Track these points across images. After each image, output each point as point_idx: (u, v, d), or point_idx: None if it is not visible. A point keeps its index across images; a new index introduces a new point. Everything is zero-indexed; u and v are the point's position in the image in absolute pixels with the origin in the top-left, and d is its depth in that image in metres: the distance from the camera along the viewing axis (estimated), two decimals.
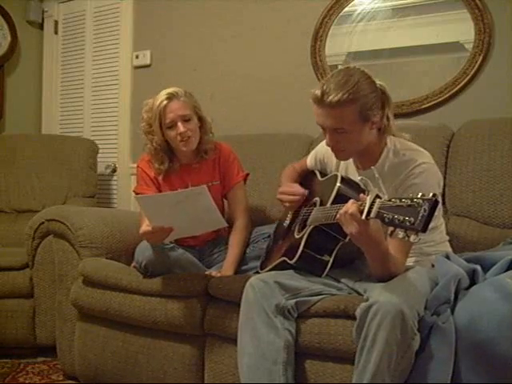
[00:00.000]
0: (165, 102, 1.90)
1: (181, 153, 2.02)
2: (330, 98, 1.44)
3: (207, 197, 1.62)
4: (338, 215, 1.34)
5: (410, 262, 1.57)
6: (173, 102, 1.91)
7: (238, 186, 2.10)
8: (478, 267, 1.41)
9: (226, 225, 1.77)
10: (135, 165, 3.12)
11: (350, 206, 1.29)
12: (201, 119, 2.01)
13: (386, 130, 1.58)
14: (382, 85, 1.55)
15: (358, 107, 1.46)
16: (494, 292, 1.25)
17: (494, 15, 2.19)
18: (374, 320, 1.22)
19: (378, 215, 1.19)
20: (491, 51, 2.20)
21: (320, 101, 1.46)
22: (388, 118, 1.57)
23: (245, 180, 2.15)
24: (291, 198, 1.75)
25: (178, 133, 1.91)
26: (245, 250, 2.00)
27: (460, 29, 2.27)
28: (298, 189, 1.76)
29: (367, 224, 1.27)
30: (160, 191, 2.05)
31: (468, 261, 1.46)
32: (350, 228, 1.30)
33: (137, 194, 2.06)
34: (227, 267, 1.91)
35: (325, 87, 1.46)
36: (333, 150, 1.57)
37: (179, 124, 1.91)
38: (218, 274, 1.86)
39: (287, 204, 1.77)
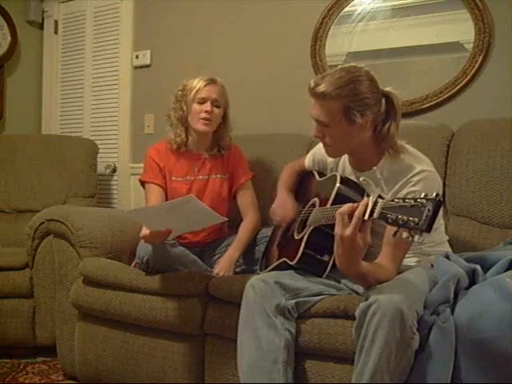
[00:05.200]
0: (205, 82, 2.05)
1: (196, 135, 2.07)
2: (318, 88, 1.48)
3: (197, 203, 1.60)
4: (336, 215, 1.31)
5: (411, 262, 1.57)
6: (212, 85, 2.06)
7: (247, 185, 2.15)
8: (478, 267, 1.41)
9: (225, 219, 1.77)
10: (135, 165, 3.17)
11: (347, 209, 1.26)
12: (225, 115, 2.12)
13: (385, 138, 1.53)
14: (391, 94, 1.52)
15: (342, 104, 1.47)
16: (494, 292, 1.25)
17: (494, 15, 2.19)
18: (373, 319, 1.22)
19: (381, 215, 1.18)
20: (491, 51, 2.20)
21: (311, 90, 1.51)
22: (389, 129, 1.52)
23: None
24: (279, 220, 1.80)
25: (204, 110, 2.01)
26: (251, 244, 2.02)
27: (460, 29, 2.27)
28: (289, 214, 1.77)
29: (356, 234, 1.24)
30: (165, 182, 2.08)
31: (468, 261, 1.46)
32: (341, 230, 1.26)
33: (142, 182, 2.11)
34: (234, 248, 1.97)
35: (319, 78, 1.51)
36: (322, 143, 1.61)
37: (208, 103, 2.02)
38: (221, 273, 1.88)
39: (275, 222, 1.82)
